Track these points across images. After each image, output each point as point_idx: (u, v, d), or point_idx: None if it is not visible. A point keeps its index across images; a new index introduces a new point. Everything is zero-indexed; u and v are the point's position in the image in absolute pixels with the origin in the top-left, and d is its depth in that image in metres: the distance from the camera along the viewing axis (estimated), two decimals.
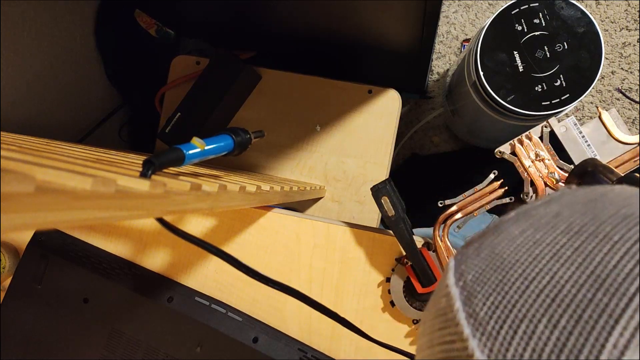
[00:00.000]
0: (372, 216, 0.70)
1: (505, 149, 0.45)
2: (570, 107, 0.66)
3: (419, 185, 1.11)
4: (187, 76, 0.74)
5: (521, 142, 0.45)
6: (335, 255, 0.51)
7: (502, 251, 0.19)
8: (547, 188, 0.44)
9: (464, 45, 1.16)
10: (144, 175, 0.23)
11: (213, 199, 0.28)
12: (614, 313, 0.15)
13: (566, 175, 0.44)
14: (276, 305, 0.51)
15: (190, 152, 0.30)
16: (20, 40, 0.61)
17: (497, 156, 0.45)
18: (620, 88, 1.10)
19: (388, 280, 0.48)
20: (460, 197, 0.46)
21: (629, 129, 0.44)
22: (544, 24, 0.66)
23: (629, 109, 1.11)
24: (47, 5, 0.65)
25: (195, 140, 0.31)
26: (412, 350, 0.48)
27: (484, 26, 0.68)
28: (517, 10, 0.66)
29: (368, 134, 0.71)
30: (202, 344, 0.48)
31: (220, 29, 0.83)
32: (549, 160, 0.44)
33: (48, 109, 0.71)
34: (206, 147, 0.32)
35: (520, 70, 0.66)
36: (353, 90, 0.72)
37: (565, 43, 0.65)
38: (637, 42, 1.11)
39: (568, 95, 0.65)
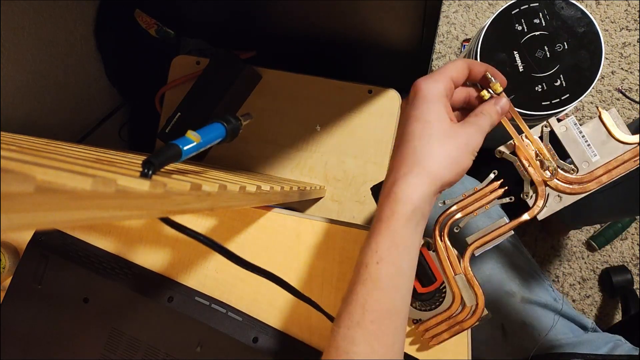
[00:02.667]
0: (372, 216, 0.70)
1: (505, 149, 0.45)
2: (570, 107, 0.66)
3: None
4: (187, 76, 0.74)
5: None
6: (335, 255, 0.51)
7: None
8: (547, 188, 0.44)
9: (464, 45, 1.16)
10: (144, 175, 0.23)
11: (213, 199, 0.28)
12: None
13: (566, 174, 0.44)
14: (276, 305, 0.51)
15: (187, 147, 0.30)
16: (20, 40, 0.61)
17: (497, 156, 0.45)
18: (620, 88, 1.10)
19: None
20: (460, 196, 0.46)
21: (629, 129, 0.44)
22: (544, 24, 0.66)
23: (629, 109, 1.11)
24: (47, 5, 0.65)
25: (190, 134, 0.31)
26: (411, 350, 0.48)
27: (484, 26, 0.68)
28: (517, 10, 0.66)
29: (368, 134, 0.71)
30: (202, 344, 0.48)
31: (220, 29, 0.83)
32: (550, 160, 0.44)
33: (48, 108, 0.71)
34: (201, 139, 0.32)
35: (520, 70, 0.66)
36: (353, 90, 0.72)
37: (565, 43, 0.65)
38: (637, 42, 1.11)
39: (568, 95, 0.65)
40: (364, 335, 0.31)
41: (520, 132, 0.44)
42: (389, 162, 0.37)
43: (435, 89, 0.35)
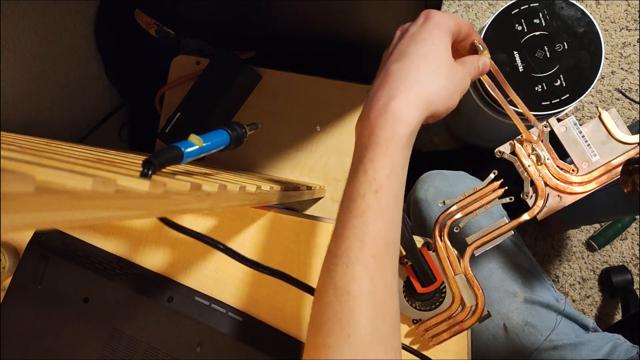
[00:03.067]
0: None
1: (505, 148, 0.45)
2: (570, 107, 0.66)
3: None
4: (187, 76, 0.74)
5: (521, 142, 0.45)
6: None
7: None
8: (547, 188, 0.44)
9: None
10: (144, 175, 0.23)
11: (213, 199, 0.28)
12: None
13: (566, 174, 0.44)
14: (276, 305, 0.51)
15: (189, 149, 0.30)
16: (20, 40, 0.61)
17: (497, 156, 0.45)
18: (620, 88, 1.10)
19: None
20: (460, 196, 0.46)
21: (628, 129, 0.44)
22: (544, 24, 0.66)
23: (629, 109, 1.11)
24: (47, 5, 0.65)
25: (193, 137, 0.31)
26: None
27: (484, 26, 0.68)
28: (517, 10, 0.66)
29: None
30: (202, 344, 0.48)
31: (220, 29, 0.83)
32: (549, 159, 0.44)
33: (48, 108, 0.71)
34: (203, 144, 0.32)
35: (520, 70, 0.66)
36: (353, 90, 0.72)
37: (565, 43, 0.65)
38: (637, 42, 1.11)
39: (568, 95, 0.65)
40: (364, 271, 0.29)
41: (519, 133, 0.44)
42: (376, 79, 0.34)
43: (447, 23, 0.34)
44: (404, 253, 0.45)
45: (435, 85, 0.32)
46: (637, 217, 1.08)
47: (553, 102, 0.66)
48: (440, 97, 0.32)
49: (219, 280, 0.52)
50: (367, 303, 0.28)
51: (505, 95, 0.41)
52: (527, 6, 0.66)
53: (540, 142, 0.44)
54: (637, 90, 1.10)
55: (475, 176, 0.66)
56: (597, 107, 0.44)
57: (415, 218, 0.66)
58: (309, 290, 0.50)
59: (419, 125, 0.31)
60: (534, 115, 0.67)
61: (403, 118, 0.30)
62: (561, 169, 0.44)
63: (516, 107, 0.42)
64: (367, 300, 0.28)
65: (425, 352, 0.48)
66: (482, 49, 0.37)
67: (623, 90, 1.10)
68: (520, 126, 0.43)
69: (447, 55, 0.33)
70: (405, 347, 0.48)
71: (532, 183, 0.44)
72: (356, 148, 0.32)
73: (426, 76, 0.31)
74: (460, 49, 0.38)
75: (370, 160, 0.30)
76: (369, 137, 0.31)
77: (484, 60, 0.37)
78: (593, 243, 1.09)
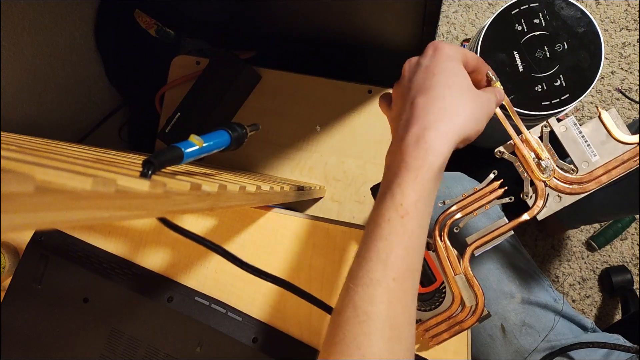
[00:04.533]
0: None
1: (505, 149, 0.45)
2: (570, 107, 0.66)
3: None
4: (187, 76, 0.74)
5: (521, 142, 0.45)
6: (335, 255, 0.51)
7: None
8: (547, 188, 0.44)
9: (464, 45, 1.16)
10: (144, 175, 0.23)
11: (213, 199, 0.28)
12: None
13: (566, 174, 0.44)
14: (276, 305, 0.51)
15: (189, 150, 0.30)
16: (20, 40, 0.61)
17: (497, 156, 0.45)
18: (620, 88, 1.10)
19: None
20: (459, 196, 0.46)
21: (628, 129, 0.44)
22: (544, 24, 0.66)
23: (629, 109, 1.11)
24: (47, 5, 0.65)
25: (193, 138, 0.31)
26: None
27: (484, 26, 0.68)
28: (517, 10, 0.66)
29: (368, 134, 0.71)
30: (202, 344, 0.48)
31: (220, 29, 0.83)
32: (548, 159, 0.44)
33: (48, 109, 0.71)
34: (204, 144, 0.32)
35: (520, 70, 0.66)
36: (353, 90, 0.72)
37: (565, 43, 0.65)
38: (637, 42, 1.11)
39: (568, 95, 0.65)
40: (384, 294, 0.29)
41: (518, 132, 0.44)
42: (402, 113, 0.34)
43: (455, 53, 0.34)
44: None
45: (463, 113, 0.33)
46: (637, 217, 1.08)
47: (553, 102, 0.66)
48: (469, 123, 0.33)
49: (219, 280, 0.52)
50: (384, 326, 0.29)
51: (517, 129, 0.43)
52: (527, 6, 0.66)
53: (540, 142, 0.44)
54: (637, 90, 1.10)
55: (474, 176, 0.66)
56: (597, 107, 0.44)
57: None
58: (311, 299, 0.50)
59: (450, 154, 0.32)
60: (534, 115, 0.67)
61: (436, 148, 0.31)
62: (561, 169, 0.44)
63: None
64: (384, 323, 0.29)
65: (425, 352, 0.48)
66: (494, 79, 0.39)
67: (623, 90, 1.10)
68: (521, 126, 0.43)
69: (468, 82, 0.34)
70: None
71: (532, 183, 0.44)
72: (385, 176, 0.33)
73: (453, 105, 0.32)
74: (476, 83, 0.39)
75: (399, 186, 0.30)
76: (398, 165, 0.31)
77: (501, 91, 0.39)
78: (593, 243, 1.09)
